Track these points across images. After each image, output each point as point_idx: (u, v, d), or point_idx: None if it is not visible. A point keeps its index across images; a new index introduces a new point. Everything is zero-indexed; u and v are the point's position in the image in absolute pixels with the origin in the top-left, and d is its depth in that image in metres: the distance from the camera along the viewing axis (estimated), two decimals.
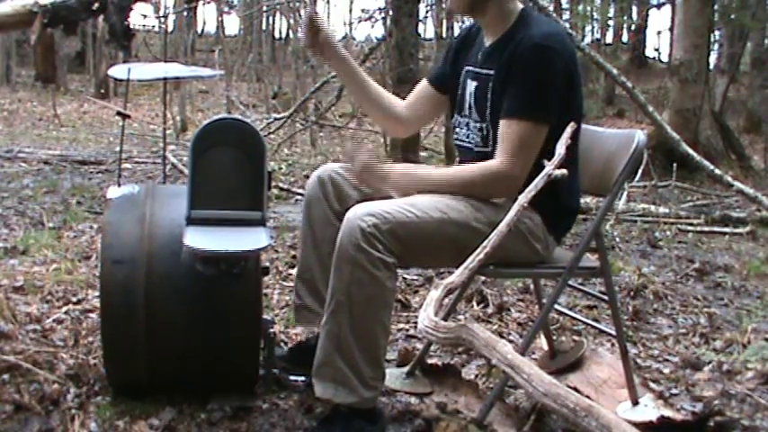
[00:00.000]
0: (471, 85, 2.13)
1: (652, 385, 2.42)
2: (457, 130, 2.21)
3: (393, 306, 2.03)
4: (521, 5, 2.10)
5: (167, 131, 7.23)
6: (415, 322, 2.40)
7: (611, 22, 19.20)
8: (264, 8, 13.97)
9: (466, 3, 2.10)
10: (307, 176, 6.70)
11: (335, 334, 1.90)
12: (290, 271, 3.49)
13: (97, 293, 2.78)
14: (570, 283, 2.28)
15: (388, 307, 1.95)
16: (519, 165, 1.96)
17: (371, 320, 1.91)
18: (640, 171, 6.00)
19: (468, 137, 2.15)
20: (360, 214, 1.89)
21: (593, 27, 18.35)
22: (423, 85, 2.32)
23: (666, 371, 2.59)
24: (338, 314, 1.90)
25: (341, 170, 2.19)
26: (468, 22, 2.28)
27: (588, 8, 16.49)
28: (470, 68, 2.16)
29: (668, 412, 2.16)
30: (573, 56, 2.03)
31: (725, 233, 5.17)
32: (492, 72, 2.06)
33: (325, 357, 1.93)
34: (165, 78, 2.75)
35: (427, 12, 16.09)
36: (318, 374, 1.95)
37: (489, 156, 2.05)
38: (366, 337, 1.91)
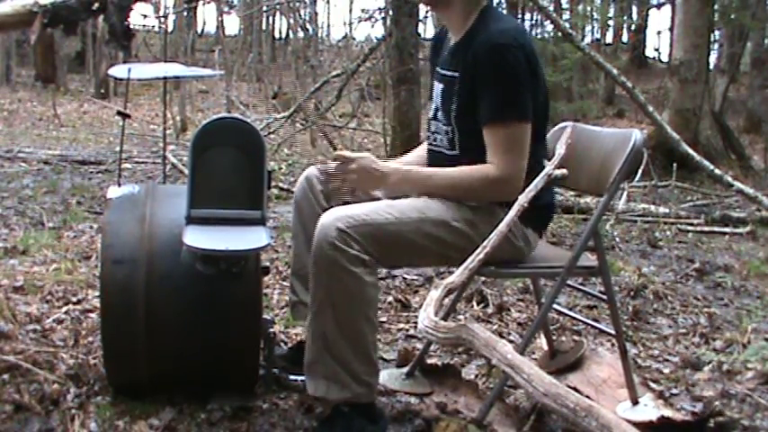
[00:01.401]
0: (438, 87, 2.13)
1: (652, 385, 2.41)
2: (428, 134, 2.21)
3: (377, 300, 2.01)
4: (485, 2, 2.09)
5: (167, 131, 7.23)
6: (415, 322, 2.40)
7: (611, 22, 19.18)
8: (264, 8, 13.98)
9: None
10: None
11: (321, 333, 1.91)
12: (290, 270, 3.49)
13: (97, 293, 2.78)
14: (570, 282, 2.28)
15: (372, 302, 1.94)
16: (514, 165, 1.95)
17: (355, 317, 1.90)
18: (640, 171, 6.00)
19: (436, 140, 2.15)
20: (336, 216, 1.89)
21: (593, 27, 18.34)
22: None
23: (666, 371, 2.59)
24: (321, 314, 1.90)
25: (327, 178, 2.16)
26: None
27: (588, 8, 16.49)
28: (438, 70, 2.16)
29: (668, 412, 2.16)
30: (531, 48, 2.02)
31: (725, 233, 5.17)
32: (456, 74, 2.05)
33: (315, 356, 1.93)
34: (165, 78, 2.74)
35: (427, 12, 16.08)
36: (310, 372, 1.95)
37: (456, 160, 2.04)
38: (352, 334, 1.91)
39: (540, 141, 2.08)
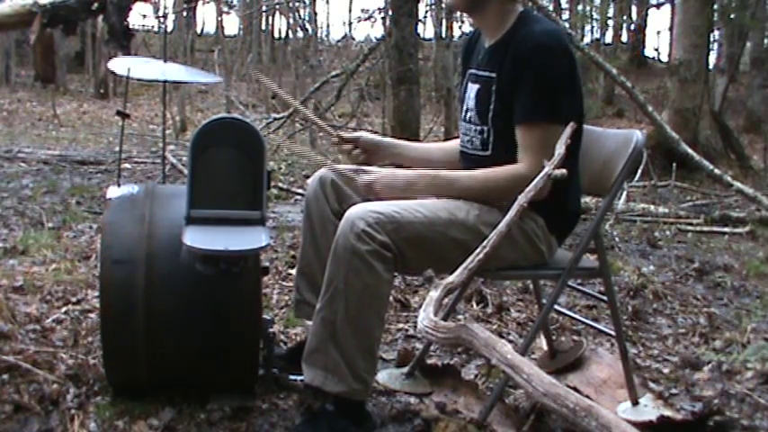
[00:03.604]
0: (472, 89, 2.12)
1: (652, 385, 2.41)
2: (461, 135, 2.20)
3: (389, 299, 2.00)
4: (521, 7, 2.09)
5: (167, 131, 7.24)
6: (415, 322, 2.40)
7: (610, 22, 19.22)
8: (264, 8, 13.98)
9: (465, 1, 2.09)
10: (306, 176, 6.71)
11: (331, 321, 1.90)
12: (290, 271, 3.49)
13: (97, 293, 2.78)
14: (570, 283, 2.28)
15: (385, 299, 1.95)
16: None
17: (368, 311, 1.90)
18: (640, 171, 6.01)
19: (469, 142, 2.14)
20: (366, 209, 1.89)
21: (592, 27, 18.38)
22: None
23: (666, 371, 2.59)
24: (335, 301, 1.89)
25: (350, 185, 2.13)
26: (468, 20, 2.28)
27: (588, 8, 16.52)
28: (471, 71, 2.15)
29: (668, 412, 2.16)
30: (571, 53, 2.03)
31: (724, 233, 5.17)
32: (494, 74, 2.04)
33: (319, 344, 1.92)
34: (164, 81, 2.74)
35: (427, 12, 16.10)
36: (309, 360, 1.94)
37: (488, 161, 2.04)
38: (362, 327, 1.90)
39: (574, 155, 2.06)
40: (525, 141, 1.98)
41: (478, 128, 2.09)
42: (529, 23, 2.02)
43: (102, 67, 15.59)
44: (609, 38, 20.09)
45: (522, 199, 1.81)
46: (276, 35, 21.97)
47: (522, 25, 2.03)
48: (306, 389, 2.05)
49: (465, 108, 2.15)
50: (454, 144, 2.29)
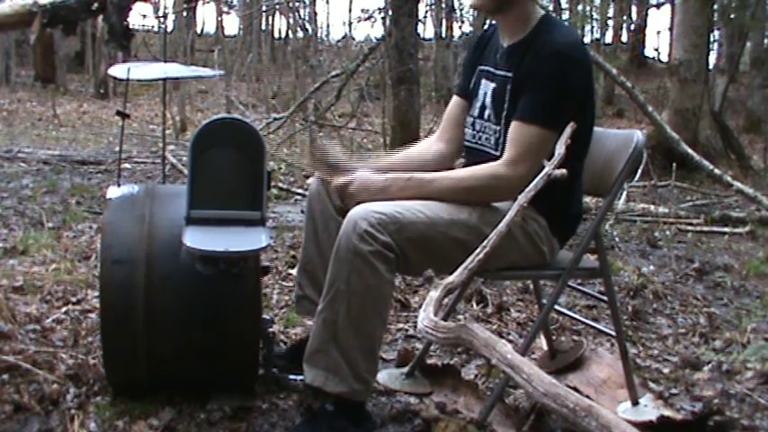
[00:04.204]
0: (488, 87, 2.12)
1: (652, 385, 2.42)
2: (466, 130, 2.20)
3: (391, 301, 2.00)
4: (542, 11, 2.09)
5: (167, 131, 7.23)
6: (415, 322, 2.40)
7: (610, 22, 19.23)
8: (264, 8, 13.99)
9: (493, 1, 2.08)
10: (306, 176, 6.70)
11: (333, 321, 1.90)
12: (290, 271, 3.49)
13: (97, 293, 2.78)
14: (570, 283, 2.28)
15: (387, 300, 1.95)
16: (524, 169, 1.94)
17: (370, 312, 1.90)
18: (640, 171, 6.00)
19: (479, 139, 2.14)
20: (368, 210, 1.89)
21: (592, 27, 18.38)
22: (455, 103, 2.27)
23: (666, 371, 2.59)
24: (337, 302, 1.89)
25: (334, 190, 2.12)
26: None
27: (588, 8, 16.53)
28: (486, 68, 2.15)
29: (668, 412, 2.16)
30: (591, 66, 2.04)
31: (724, 233, 5.17)
32: (510, 74, 2.04)
33: (320, 344, 1.92)
34: (164, 79, 2.74)
35: (427, 12, 16.13)
36: (310, 361, 1.94)
37: (497, 160, 2.04)
38: (363, 327, 1.90)
39: (580, 160, 2.07)
40: (514, 139, 1.97)
41: (495, 127, 2.09)
42: (551, 30, 2.03)
43: (103, 67, 15.59)
44: (609, 38, 20.10)
45: (522, 199, 1.81)
46: (276, 35, 21.98)
47: (545, 31, 2.03)
48: (306, 389, 2.05)
49: (480, 105, 2.14)
50: (438, 145, 2.27)
